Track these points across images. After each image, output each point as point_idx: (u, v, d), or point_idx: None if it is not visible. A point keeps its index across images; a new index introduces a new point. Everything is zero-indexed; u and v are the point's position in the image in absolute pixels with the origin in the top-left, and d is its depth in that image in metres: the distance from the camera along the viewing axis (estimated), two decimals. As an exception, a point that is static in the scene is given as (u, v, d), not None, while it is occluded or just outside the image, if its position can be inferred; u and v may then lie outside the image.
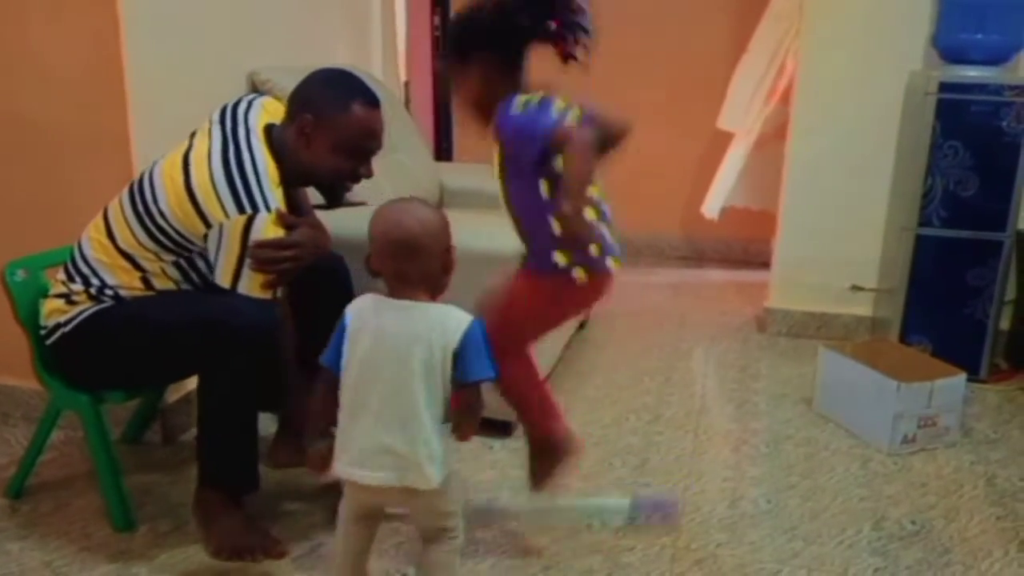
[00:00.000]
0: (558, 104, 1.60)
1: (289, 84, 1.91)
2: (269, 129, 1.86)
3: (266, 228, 1.74)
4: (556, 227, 1.59)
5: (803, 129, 3.10)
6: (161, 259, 1.81)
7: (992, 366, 2.87)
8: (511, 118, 1.58)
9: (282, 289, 1.82)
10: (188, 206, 1.74)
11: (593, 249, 1.62)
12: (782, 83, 3.56)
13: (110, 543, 1.91)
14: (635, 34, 4.05)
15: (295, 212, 1.91)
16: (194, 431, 1.88)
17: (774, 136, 3.53)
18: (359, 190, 1.98)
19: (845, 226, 3.12)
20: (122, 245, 1.82)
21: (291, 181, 1.87)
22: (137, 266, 1.82)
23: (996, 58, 2.75)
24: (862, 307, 3.18)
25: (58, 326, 1.84)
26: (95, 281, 1.83)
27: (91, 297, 1.83)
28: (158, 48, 2.22)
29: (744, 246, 4.19)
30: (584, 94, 1.66)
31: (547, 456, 1.78)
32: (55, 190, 2.23)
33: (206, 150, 1.78)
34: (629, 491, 2.13)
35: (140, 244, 1.80)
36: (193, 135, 1.86)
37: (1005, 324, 2.92)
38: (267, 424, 1.99)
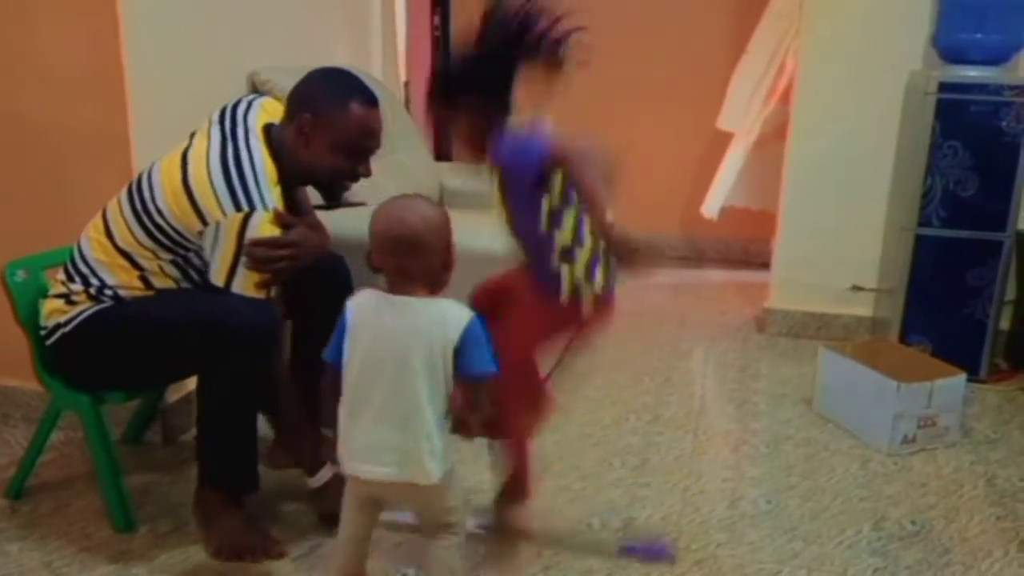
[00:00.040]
0: (549, 126, 1.62)
1: (289, 84, 1.91)
2: (268, 129, 1.86)
3: (262, 226, 1.74)
4: (556, 260, 1.62)
5: (803, 129, 3.10)
6: (159, 257, 1.81)
7: (992, 366, 2.87)
8: (507, 144, 1.60)
9: (276, 289, 1.82)
10: (185, 203, 1.74)
11: (598, 279, 1.65)
12: (782, 83, 3.56)
13: (110, 543, 1.91)
14: (635, 34, 4.05)
15: (295, 212, 1.91)
16: (194, 431, 1.88)
17: (774, 136, 3.52)
18: (360, 190, 1.98)
19: (845, 226, 3.12)
20: (120, 244, 1.82)
21: (290, 180, 1.87)
22: (135, 264, 1.82)
23: (996, 58, 2.75)
24: (862, 307, 3.18)
25: (58, 326, 1.84)
26: (94, 281, 1.83)
27: (90, 297, 1.83)
28: (158, 48, 2.22)
29: (744, 246, 4.19)
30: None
31: (511, 495, 1.80)
32: (55, 190, 2.23)
33: (204, 148, 1.78)
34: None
35: (138, 242, 1.80)
36: (192, 135, 1.86)
37: (1005, 324, 2.92)
38: (266, 424, 1.99)
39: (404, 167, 2.99)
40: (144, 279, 1.83)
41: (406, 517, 1.89)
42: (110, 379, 1.90)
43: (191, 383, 1.91)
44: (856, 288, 3.16)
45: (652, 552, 1.89)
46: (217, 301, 1.76)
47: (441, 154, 4.36)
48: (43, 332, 1.87)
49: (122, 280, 1.83)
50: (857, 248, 3.12)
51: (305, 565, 1.83)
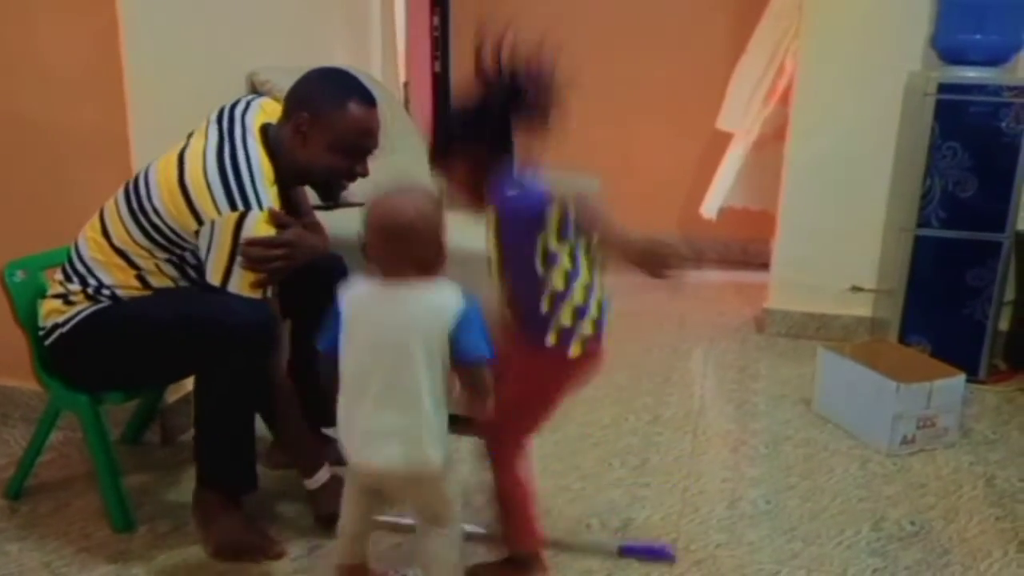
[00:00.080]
0: (550, 177, 1.63)
1: (288, 85, 1.91)
2: (265, 129, 1.86)
3: (257, 226, 1.74)
4: (546, 305, 1.61)
5: (802, 129, 3.11)
6: (155, 257, 1.81)
7: (991, 367, 2.87)
8: (507, 188, 1.61)
9: (273, 289, 1.82)
10: (181, 202, 1.74)
11: (588, 327, 1.64)
12: (781, 83, 3.56)
13: (109, 544, 1.91)
14: (635, 34, 4.06)
15: (293, 212, 1.91)
16: (193, 432, 1.88)
17: (774, 136, 3.53)
18: (359, 191, 1.98)
19: (844, 227, 3.12)
20: (116, 243, 1.82)
21: (287, 180, 1.87)
22: (132, 264, 1.82)
23: (995, 59, 2.76)
24: (861, 308, 3.18)
25: (56, 327, 1.84)
26: (92, 281, 1.83)
27: (88, 297, 1.83)
28: (158, 49, 2.22)
29: (743, 247, 4.19)
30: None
31: (513, 568, 1.79)
32: (55, 190, 2.23)
33: (201, 147, 1.78)
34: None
35: (134, 241, 1.80)
36: (190, 135, 1.86)
37: (1004, 325, 2.92)
38: (263, 425, 1.99)
39: (404, 168, 2.99)
40: (141, 278, 1.83)
41: (405, 518, 1.89)
42: (108, 379, 1.90)
43: (190, 383, 1.91)
44: (855, 289, 3.16)
45: (652, 552, 1.89)
46: (214, 301, 1.75)
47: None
48: (41, 332, 1.87)
49: (119, 280, 1.83)
50: (856, 249, 3.13)
51: (304, 565, 1.83)
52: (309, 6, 3.03)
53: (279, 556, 1.83)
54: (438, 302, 1.45)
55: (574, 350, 1.64)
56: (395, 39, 3.78)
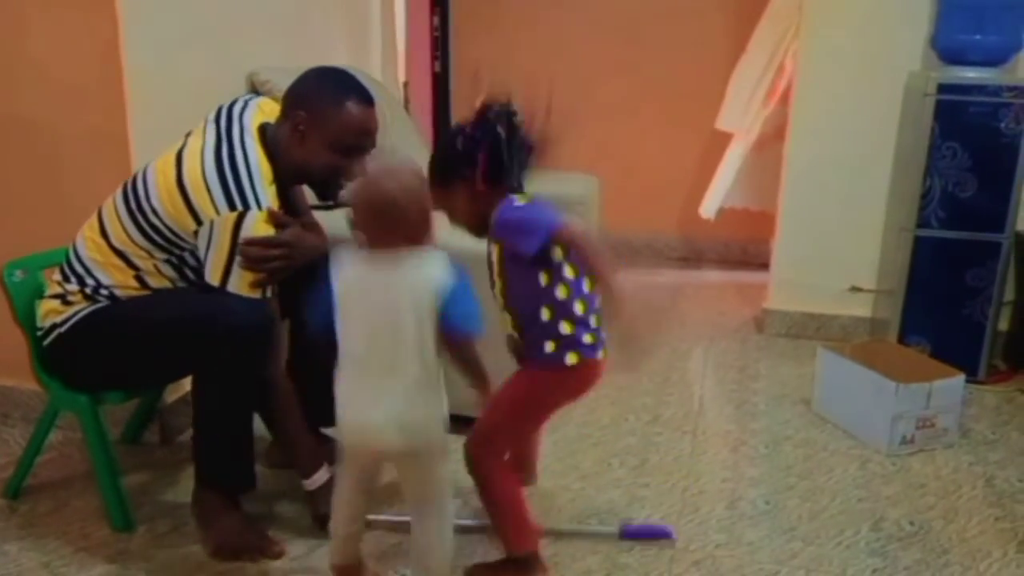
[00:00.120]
0: (552, 207, 1.65)
1: (288, 85, 1.91)
2: (264, 128, 1.86)
3: (256, 226, 1.74)
4: (546, 315, 1.64)
5: (802, 130, 3.10)
6: (154, 257, 1.81)
7: (990, 367, 2.87)
8: (512, 212, 1.63)
9: (271, 289, 1.82)
10: (179, 201, 1.74)
11: (587, 338, 1.66)
12: (781, 83, 3.56)
13: (109, 543, 1.91)
14: (634, 34, 4.05)
15: (292, 212, 1.91)
16: (192, 431, 1.88)
17: (774, 137, 3.53)
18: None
19: (844, 227, 3.12)
20: (115, 243, 1.82)
21: (285, 179, 1.87)
22: (130, 264, 1.82)
23: (995, 59, 2.76)
24: (861, 308, 3.18)
25: (54, 327, 1.84)
26: (90, 281, 1.83)
27: (86, 297, 1.83)
28: (157, 49, 2.22)
29: (743, 247, 4.19)
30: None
31: (512, 568, 1.79)
32: (54, 190, 2.23)
33: (199, 147, 1.78)
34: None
35: (133, 241, 1.80)
36: (188, 135, 1.86)
37: (1003, 325, 2.92)
38: (262, 424, 1.99)
39: (411, 160, 2.99)
40: (140, 279, 1.83)
41: (403, 517, 1.89)
42: (107, 379, 1.90)
43: (189, 383, 1.90)
44: (855, 289, 3.16)
45: (653, 533, 1.89)
46: (212, 300, 1.75)
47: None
48: (40, 332, 1.87)
49: (118, 280, 1.83)
50: (856, 249, 3.13)
51: (303, 565, 1.83)
52: (309, 6, 3.03)
53: (278, 556, 1.83)
54: (425, 274, 1.46)
55: (571, 359, 1.65)
56: (395, 39, 3.78)
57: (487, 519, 1.81)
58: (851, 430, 2.48)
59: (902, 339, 2.86)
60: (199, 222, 1.73)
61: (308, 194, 2.01)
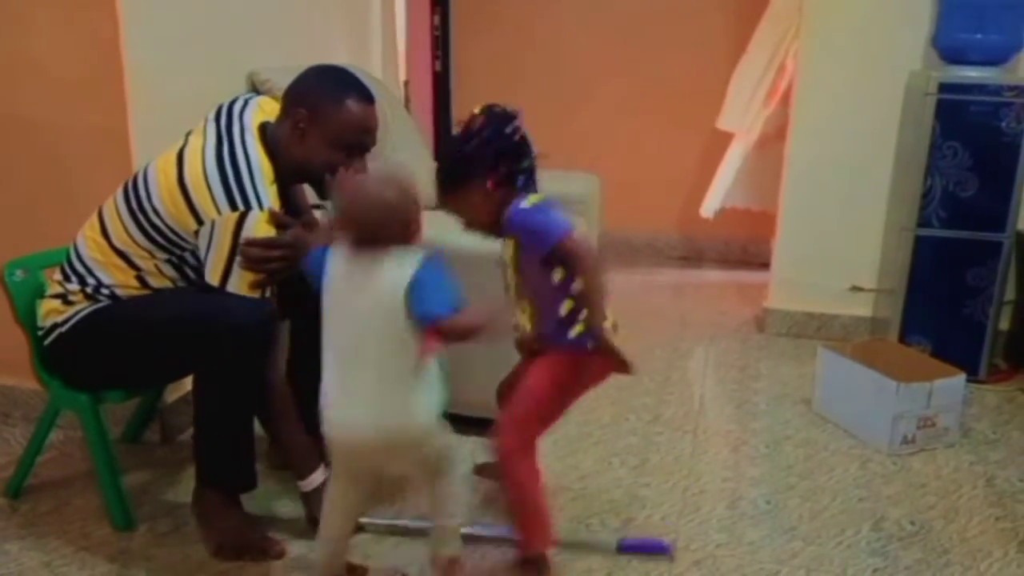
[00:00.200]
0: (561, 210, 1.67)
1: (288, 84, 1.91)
2: (264, 127, 1.86)
3: (257, 226, 1.74)
4: (565, 308, 1.67)
5: (803, 130, 3.10)
6: (155, 257, 1.81)
7: (991, 366, 2.87)
8: (526, 213, 1.65)
9: (272, 289, 1.81)
10: (180, 201, 1.74)
11: (609, 327, 1.67)
12: (782, 83, 3.56)
13: (109, 543, 1.91)
14: (634, 34, 4.05)
15: (292, 211, 1.91)
16: (192, 430, 1.88)
17: (774, 136, 3.53)
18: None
19: (845, 226, 3.12)
20: (116, 243, 1.82)
21: (285, 177, 1.86)
22: (131, 264, 1.82)
23: (995, 58, 2.75)
24: (861, 307, 3.18)
25: (55, 326, 1.84)
26: (91, 280, 1.83)
27: (87, 297, 1.83)
28: (158, 48, 2.22)
29: (743, 246, 4.19)
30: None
31: (524, 571, 1.79)
32: (55, 190, 2.23)
33: (200, 147, 1.78)
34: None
35: (134, 241, 1.80)
36: (188, 134, 1.86)
37: (1004, 324, 2.92)
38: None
39: (404, 167, 2.99)
40: (141, 279, 1.83)
41: (401, 519, 1.90)
42: (107, 378, 1.90)
43: (190, 382, 1.90)
44: (856, 288, 3.16)
45: (650, 547, 1.89)
46: (212, 300, 1.75)
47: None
48: (40, 332, 1.87)
49: (118, 279, 1.83)
50: (857, 248, 3.12)
51: (303, 564, 1.83)
52: (309, 5, 3.03)
53: (279, 555, 1.83)
54: (401, 273, 1.47)
55: (593, 343, 1.65)
56: (395, 38, 3.78)
57: (490, 530, 1.82)
58: (852, 430, 2.48)
59: (903, 338, 2.86)
60: (200, 222, 1.73)
61: (308, 193, 2.01)
